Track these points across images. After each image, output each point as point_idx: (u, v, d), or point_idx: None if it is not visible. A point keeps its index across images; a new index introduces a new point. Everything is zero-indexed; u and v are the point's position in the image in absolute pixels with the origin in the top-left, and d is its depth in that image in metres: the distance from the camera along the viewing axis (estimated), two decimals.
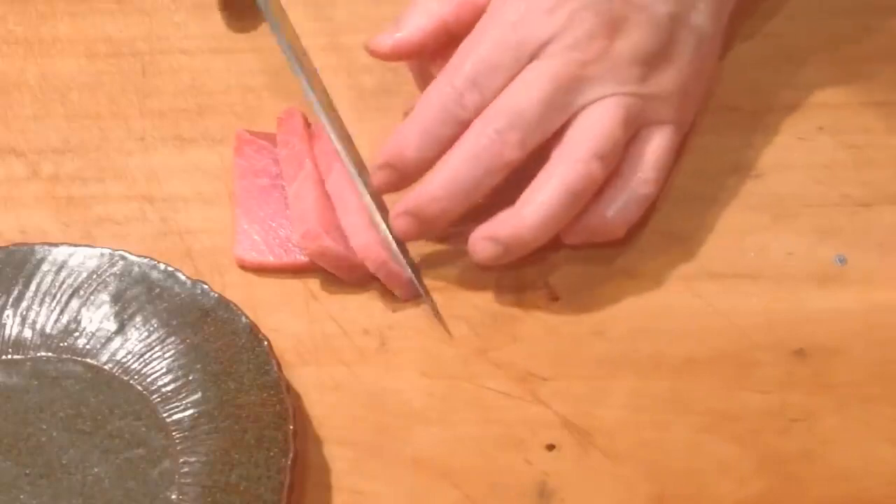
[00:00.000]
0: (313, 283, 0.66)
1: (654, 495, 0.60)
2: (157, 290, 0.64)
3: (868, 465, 0.61)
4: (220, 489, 0.59)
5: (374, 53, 0.68)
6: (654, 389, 0.63)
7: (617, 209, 0.65)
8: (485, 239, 0.64)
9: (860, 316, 0.65)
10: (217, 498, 0.58)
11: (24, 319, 0.64)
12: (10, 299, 0.64)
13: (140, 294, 0.64)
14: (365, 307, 0.66)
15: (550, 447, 0.62)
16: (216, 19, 0.76)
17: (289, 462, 0.58)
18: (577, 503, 0.60)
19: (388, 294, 0.66)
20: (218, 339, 0.63)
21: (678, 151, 0.68)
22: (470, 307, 0.66)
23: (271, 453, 0.59)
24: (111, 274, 0.65)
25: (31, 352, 0.63)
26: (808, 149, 0.70)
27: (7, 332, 0.63)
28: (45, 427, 0.61)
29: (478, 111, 0.64)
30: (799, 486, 0.60)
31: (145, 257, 0.65)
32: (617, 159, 0.65)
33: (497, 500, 0.60)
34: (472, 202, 0.64)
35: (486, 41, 0.64)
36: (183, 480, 0.59)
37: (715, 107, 0.72)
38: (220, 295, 0.64)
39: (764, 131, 0.71)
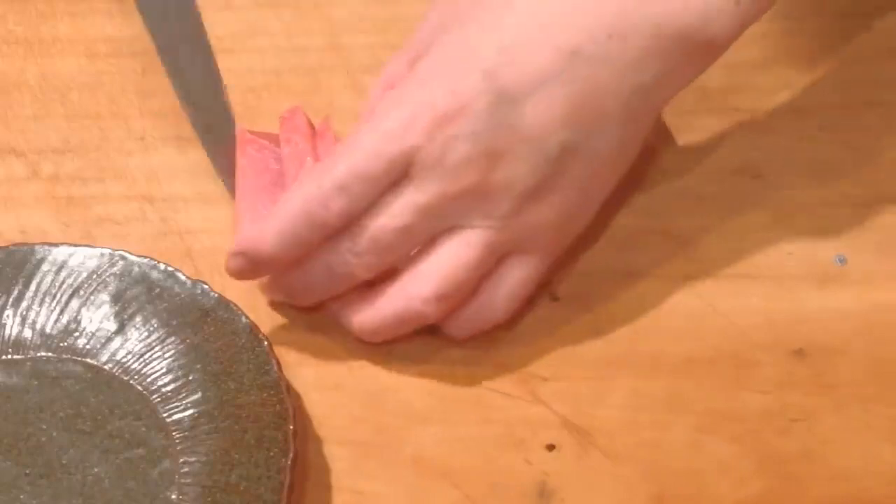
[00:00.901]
0: None
1: (654, 495, 0.60)
2: (157, 290, 0.64)
3: (868, 465, 0.61)
4: (220, 489, 0.59)
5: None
6: (654, 389, 0.63)
7: (460, 323, 0.63)
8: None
9: (860, 316, 0.65)
10: (217, 498, 0.58)
11: (24, 319, 0.64)
12: (10, 299, 0.64)
13: (140, 294, 0.64)
14: None
15: (550, 447, 0.62)
16: (216, 19, 0.76)
17: (289, 462, 0.58)
18: (577, 503, 0.60)
19: None
20: (218, 339, 0.63)
21: (543, 276, 0.64)
22: None
23: (271, 453, 0.59)
24: (111, 274, 0.65)
25: (31, 352, 0.63)
26: (808, 149, 0.70)
27: (7, 332, 0.63)
28: (45, 427, 0.61)
29: (342, 217, 0.61)
30: (799, 486, 0.60)
31: (145, 257, 0.65)
32: (464, 296, 0.62)
33: (497, 500, 0.60)
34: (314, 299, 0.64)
35: (360, 148, 0.61)
36: (183, 480, 0.59)
37: (715, 107, 0.72)
38: (220, 295, 0.64)
39: (764, 131, 0.71)
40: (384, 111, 0.62)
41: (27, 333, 0.63)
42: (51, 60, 0.75)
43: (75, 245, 0.65)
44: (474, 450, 0.62)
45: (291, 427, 0.59)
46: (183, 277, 0.64)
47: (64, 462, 0.60)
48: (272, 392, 0.61)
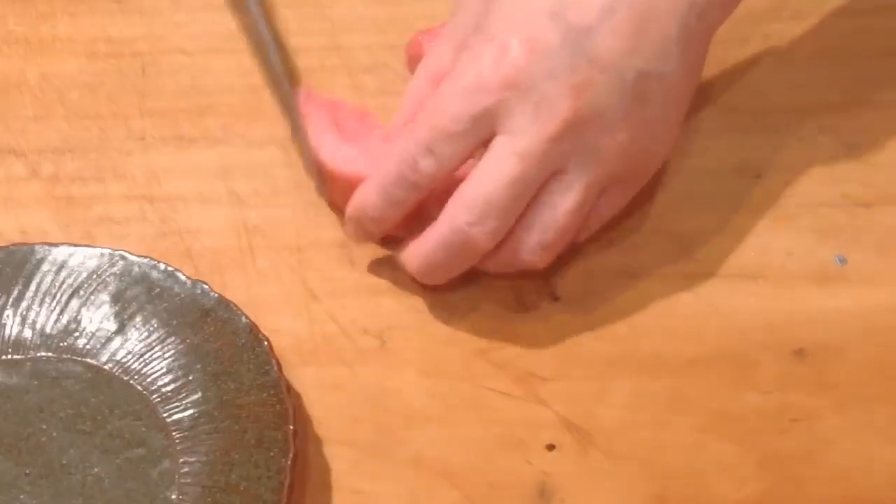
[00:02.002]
0: (313, 283, 0.66)
1: (654, 495, 0.60)
2: (157, 290, 0.64)
3: (868, 465, 0.61)
4: (220, 489, 0.59)
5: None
6: (654, 389, 0.63)
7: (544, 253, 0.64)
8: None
9: (860, 316, 0.65)
10: (217, 498, 0.58)
11: (24, 319, 0.64)
12: (10, 299, 0.64)
13: (140, 294, 0.64)
14: (365, 307, 0.66)
15: (550, 447, 0.62)
16: (216, 19, 0.76)
17: (289, 462, 0.58)
18: (577, 503, 0.60)
19: (388, 294, 0.66)
20: (218, 339, 0.63)
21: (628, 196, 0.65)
22: (470, 307, 0.66)
23: (271, 453, 0.59)
24: (111, 274, 0.65)
25: (31, 352, 0.63)
26: (808, 149, 0.70)
27: (7, 332, 0.63)
28: (45, 427, 0.61)
29: (433, 179, 0.62)
30: (799, 486, 0.60)
31: (145, 257, 0.65)
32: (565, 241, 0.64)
33: (497, 500, 0.60)
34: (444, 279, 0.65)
35: (444, 109, 0.62)
36: (183, 480, 0.59)
37: (715, 107, 0.72)
38: (220, 295, 0.64)
39: (764, 131, 0.71)
40: (462, 69, 0.62)
41: (27, 333, 0.63)
42: (51, 60, 0.75)
43: (75, 245, 0.65)
44: (474, 450, 0.62)
45: (291, 427, 0.59)
46: (183, 277, 0.64)
47: (64, 462, 0.60)
48: (272, 392, 0.61)
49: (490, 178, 0.61)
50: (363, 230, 0.65)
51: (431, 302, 0.66)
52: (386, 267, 0.67)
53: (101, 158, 0.71)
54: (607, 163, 0.62)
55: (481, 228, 0.62)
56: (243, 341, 0.62)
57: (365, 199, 0.64)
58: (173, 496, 0.59)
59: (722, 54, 0.72)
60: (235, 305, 0.63)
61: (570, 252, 0.66)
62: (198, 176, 0.70)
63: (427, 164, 0.62)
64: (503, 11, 0.62)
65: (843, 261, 0.67)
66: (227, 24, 0.76)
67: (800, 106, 0.72)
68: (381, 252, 0.67)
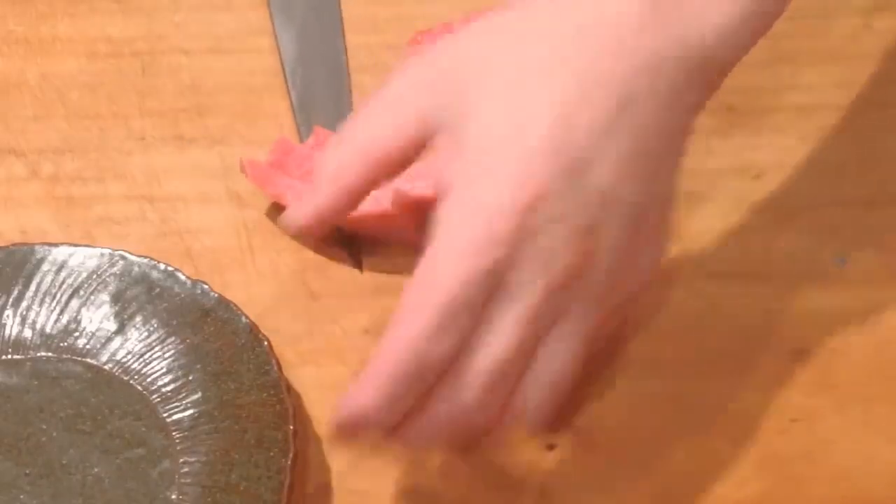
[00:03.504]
0: (313, 283, 0.66)
1: (654, 495, 0.60)
2: (157, 290, 0.64)
3: (868, 465, 0.61)
4: (220, 489, 0.59)
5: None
6: (654, 389, 0.63)
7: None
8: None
9: (860, 316, 0.65)
10: (217, 498, 0.58)
11: (23, 319, 0.64)
12: (10, 299, 0.64)
13: (140, 294, 0.64)
14: (365, 307, 0.66)
15: (550, 447, 0.62)
16: (216, 19, 0.76)
17: (289, 462, 0.58)
18: (577, 503, 0.60)
19: (388, 294, 0.66)
20: (218, 339, 0.63)
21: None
22: None
23: (271, 453, 0.59)
24: (111, 274, 0.65)
25: (31, 352, 0.63)
26: (809, 149, 0.70)
27: (7, 332, 0.63)
28: (45, 427, 0.61)
29: (451, 357, 0.54)
30: (799, 486, 0.60)
31: (145, 257, 0.65)
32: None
33: (497, 500, 0.60)
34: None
35: (446, 276, 0.53)
36: (183, 480, 0.59)
37: (715, 107, 0.71)
38: (220, 295, 0.64)
39: (764, 131, 0.71)
40: (453, 228, 0.54)
41: (27, 333, 0.63)
42: (51, 60, 0.75)
43: (75, 245, 0.65)
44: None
45: (291, 427, 0.59)
46: (183, 277, 0.64)
47: (64, 462, 0.60)
48: (272, 392, 0.61)
49: (493, 345, 0.54)
50: (353, 436, 0.55)
51: None
52: (386, 267, 0.67)
53: (101, 158, 0.71)
54: (610, 298, 0.57)
55: (484, 403, 0.55)
56: (243, 341, 0.62)
57: (364, 401, 0.54)
58: (173, 496, 0.59)
59: None
60: (235, 305, 0.63)
61: None
62: (198, 176, 0.70)
63: (448, 342, 0.53)
64: (481, 145, 0.56)
65: (843, 261, 0.67)
66: (227, 24, 0.76)
67: (800, 106, 0.72)
68: (381, 252, 0.67)
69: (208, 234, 0.68)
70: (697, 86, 0.58)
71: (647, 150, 0.56)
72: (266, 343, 0.62)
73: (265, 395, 0.61)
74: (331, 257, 0.67)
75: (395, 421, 0.54)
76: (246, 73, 0.74)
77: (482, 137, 0.55)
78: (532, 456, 0.61)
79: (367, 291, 0.66)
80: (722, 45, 0.58)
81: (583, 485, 0.61)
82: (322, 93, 0.72)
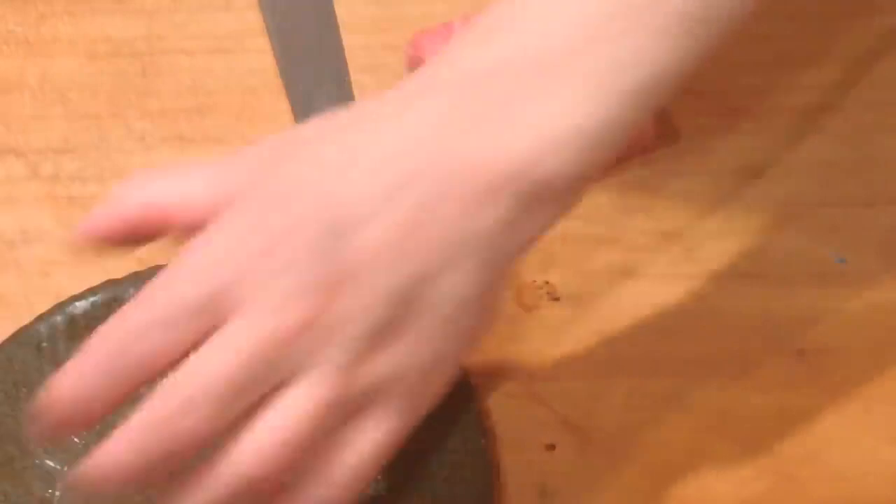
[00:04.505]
0: None
1: (654, 496, 0.60)
2: None
3: (868, 465, 0.61)
4: None
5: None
6: (654, 389, 0.63)
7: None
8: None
9: (860, 316, 0.65)
10: None
11: None
12: None
13: None
14: None
15: (550, 447, 0.62)
16: (216, 19, 0.76)
17: None
18: (577, 503, 0.60)
19: None
20: None
21: (398, 443, 0.52)
22: None
23: None
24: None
25: None
26: (808, 149, 0.70)
27: None
28: None
29: (156, 362, 0.49)
30: (799, 486, 0.60)
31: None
32: (302, 464, 0.50)
33: (497, 499, 0.60)
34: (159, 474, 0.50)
35: (165, 287, 0.50)
36: None
37: (715, 107, 0.72)
38: None
39: (764, 131, 0.71)
40: (194, 246, 0.51)
41: None
42: (51, 60, 0.75)
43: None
44: None
45: None
46: None
47: None
48: None
49: (216, 362, 0.49)
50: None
51: None
52: None
53: (101, 158, 0.71)
54: (354, 380, 0.50)
55: (200, 412, 0.49)
56: None
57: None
58: None
59: (722, 54, 0.72)
60: None
61: (570, 252, 0.66)
62: None
63: (146, 345, 0.49)
64: (262, 193, 0.51)
65: (843, 261, 0.67)
66: (227, 24, 0.76)
67: (800, 106, 0.72)
68: None
69: None
70: (508, 202, 0.50)
71: (430, 235, 0.50)
72: None
73: None
74: None
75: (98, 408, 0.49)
76: (246, 73, 0.74)
77: (262, 190, 0.51)
78: (532, 456, 0.61)
79: None
80: (539, 162, 0.50)
81: (583, 485, 0.61)
82: (322, 93, 0.72)
